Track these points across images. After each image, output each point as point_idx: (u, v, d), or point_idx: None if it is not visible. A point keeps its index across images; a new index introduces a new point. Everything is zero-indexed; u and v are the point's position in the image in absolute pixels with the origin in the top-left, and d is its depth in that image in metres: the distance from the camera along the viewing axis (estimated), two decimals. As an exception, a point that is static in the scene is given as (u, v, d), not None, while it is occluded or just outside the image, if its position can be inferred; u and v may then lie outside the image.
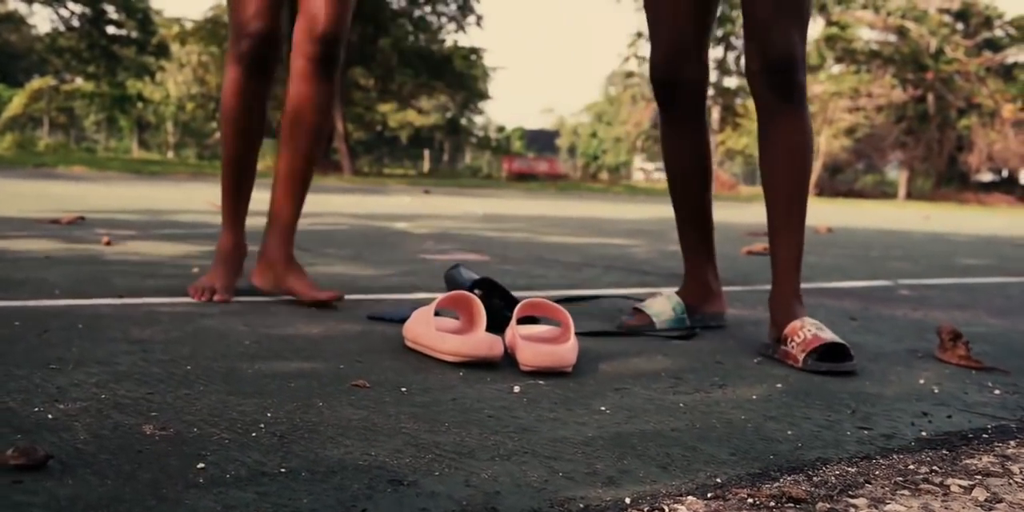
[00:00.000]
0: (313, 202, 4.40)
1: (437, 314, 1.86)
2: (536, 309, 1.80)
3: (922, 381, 1.77)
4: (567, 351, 1.64)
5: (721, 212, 14.02)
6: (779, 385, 1.66)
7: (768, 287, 2.11)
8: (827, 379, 1.74)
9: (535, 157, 38.51)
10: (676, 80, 2.22)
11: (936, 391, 1.68)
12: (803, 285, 2.18)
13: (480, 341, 1.66)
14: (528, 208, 11.57)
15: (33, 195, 7.93)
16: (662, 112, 2.30)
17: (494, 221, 7.30)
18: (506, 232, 5.88)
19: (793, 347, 1.87)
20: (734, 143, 50.08)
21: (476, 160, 50.11)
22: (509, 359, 1.72)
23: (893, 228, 10.12)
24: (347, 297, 2.44)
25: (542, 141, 58.85)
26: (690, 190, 2.33)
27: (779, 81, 2.04)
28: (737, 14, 37.52)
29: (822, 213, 17.88)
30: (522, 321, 1.95)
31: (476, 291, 2.11)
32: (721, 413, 1.42)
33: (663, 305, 2.26)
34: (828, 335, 1.87)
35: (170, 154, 39.96)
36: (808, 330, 1.88)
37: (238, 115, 2.33)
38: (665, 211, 12.32)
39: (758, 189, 43.01)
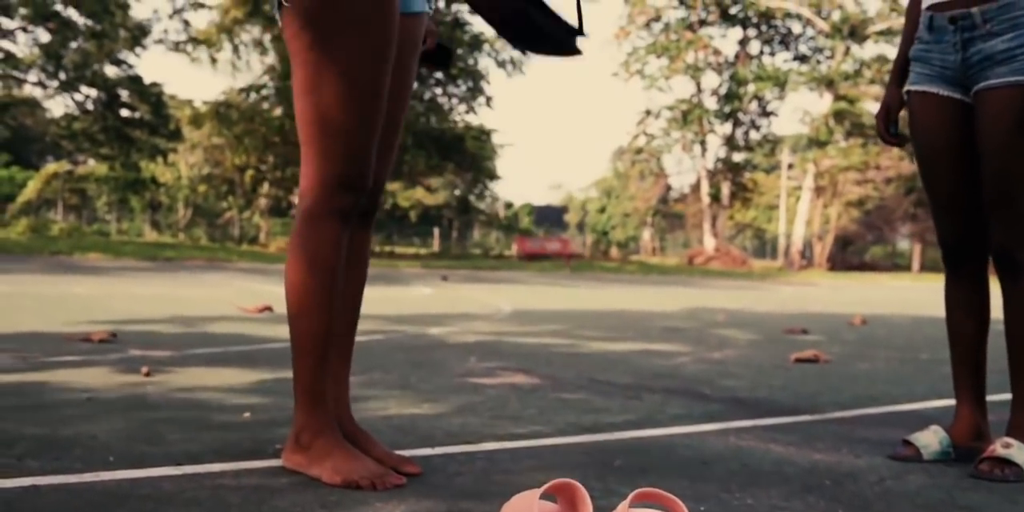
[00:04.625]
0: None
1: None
2: (650, 498, 1.65)
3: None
4: (692, 557, 1.49)
5: (745, 295, 13.89)
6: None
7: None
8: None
9: (547, 237, 38.50)
10: (966, 254, 2.57)
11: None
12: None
13: (596, 547, 1.51)
14: (551, 299, 11.46)
15: (57, 298, 7.83)
16: (948, 272, 2.62)
17: (525, 321, 7.16)
18: (543, 338, 5.73)
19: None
20: (742, 217, 50.22)
21: (485, 237, 50.23)
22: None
23: (926, 314, 9.94)
24: (413, 453, 2.30)
25: (551, 217, 59.02)
26: (968, 339, 2.62)
27: (1000, 260, 2.46)
28: (744, 91, 37.94)
29: (843, 290, 17.62)
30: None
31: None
32: None
33: (930, 438, 2.56)
34: (1002, 451, 2.33)
35: (181, 235, 40.11)
36: (996, 444, 2.38)
37: (340, 274, 2.07)
38: (689, 299, 12.04)
39: (768, 263, 43.00)
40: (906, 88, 2.59)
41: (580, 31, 2.12)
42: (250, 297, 8.60)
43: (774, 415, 3.16)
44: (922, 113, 2.54)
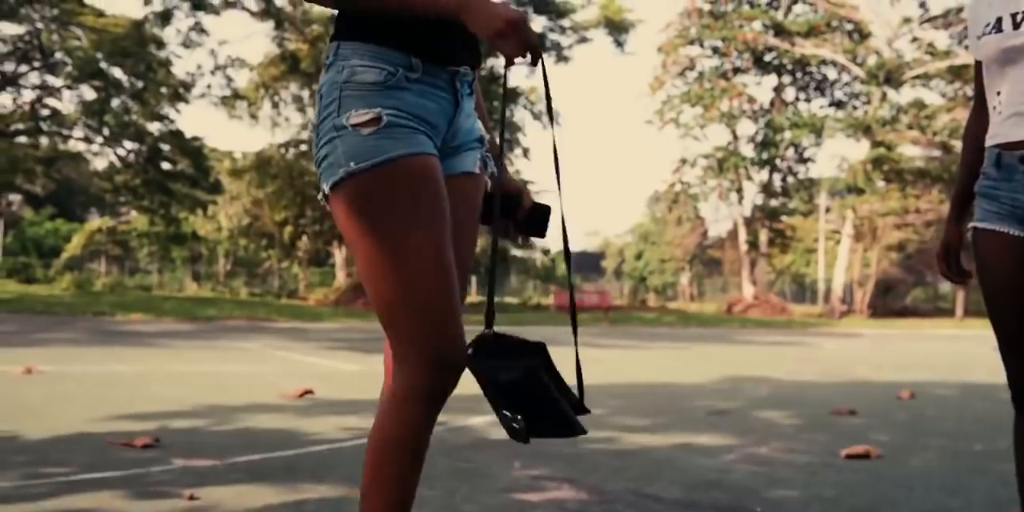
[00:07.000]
0: (373, 375, 4.14)
1: None
2: None
3: None
4: None
5: (786, 353, 13.67)
6: None
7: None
8: None
9: (584, 290, 38.40)
10: None
11: None
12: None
13: None
14: (591, 366, 11.31)
15: (99, 379, 7.90)
16: (1017, 412, 2.54)
17: (567, 400, 7.09)
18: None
19: None
20: (780, 262, 49.93)
21: (522, 283, 50.28)
22: None
23: (974, 381, 9.76)
24: None
25: (588, 264, 58.96)
26: None
27: None
28: (781, 138, 37.87)
29: (887, 343, 17.17)
30: None
31: None
32: None
33: None
34: None
35: (220, 287, 40.49)
36: None
37: (421, 458, 1.99)
38: (730, 362, 11.80)
39: (808, 307, 42.60)
40: (972, 224, 2.56)
41: (583, 407, 2.03)
42: (292, 376, 8.64)
43: (829, 543, 3.08)
44: (989, 252, 2.50)
